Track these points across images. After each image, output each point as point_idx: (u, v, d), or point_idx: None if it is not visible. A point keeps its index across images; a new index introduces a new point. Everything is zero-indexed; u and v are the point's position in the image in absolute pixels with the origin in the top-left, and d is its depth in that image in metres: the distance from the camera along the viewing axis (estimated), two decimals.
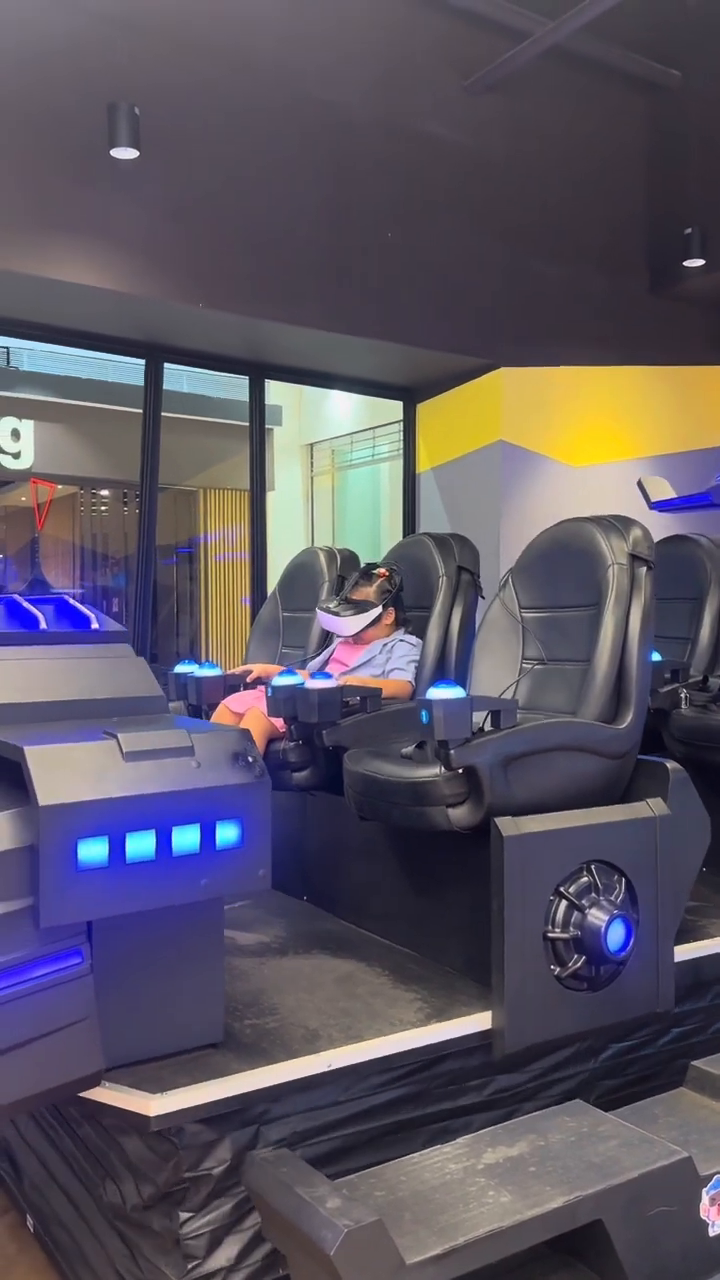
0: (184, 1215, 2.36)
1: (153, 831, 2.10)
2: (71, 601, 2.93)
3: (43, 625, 2.72)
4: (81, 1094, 2.23)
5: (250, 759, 2.27)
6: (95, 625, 2.79)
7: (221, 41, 5.67)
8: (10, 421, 8.87)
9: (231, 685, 3.87)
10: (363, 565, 4.10)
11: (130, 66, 5.33)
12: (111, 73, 5.28)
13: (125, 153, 5.22)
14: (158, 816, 2.11)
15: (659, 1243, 2.46)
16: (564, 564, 3.25)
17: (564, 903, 2.71)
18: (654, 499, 6.25)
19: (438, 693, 2.64)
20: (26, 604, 2.83)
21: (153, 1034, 2.30)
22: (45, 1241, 2.94)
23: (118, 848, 2.06)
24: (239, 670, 3.97)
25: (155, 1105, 2.20)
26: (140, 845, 2.09)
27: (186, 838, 2.14)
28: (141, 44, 5.43)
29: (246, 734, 2.33)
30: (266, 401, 7.17)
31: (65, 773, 2.06)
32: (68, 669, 2.57)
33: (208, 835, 2.17)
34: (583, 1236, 2.41)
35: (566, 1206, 2.34)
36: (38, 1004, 2.02)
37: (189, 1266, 2.35)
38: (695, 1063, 3.00)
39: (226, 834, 2.19)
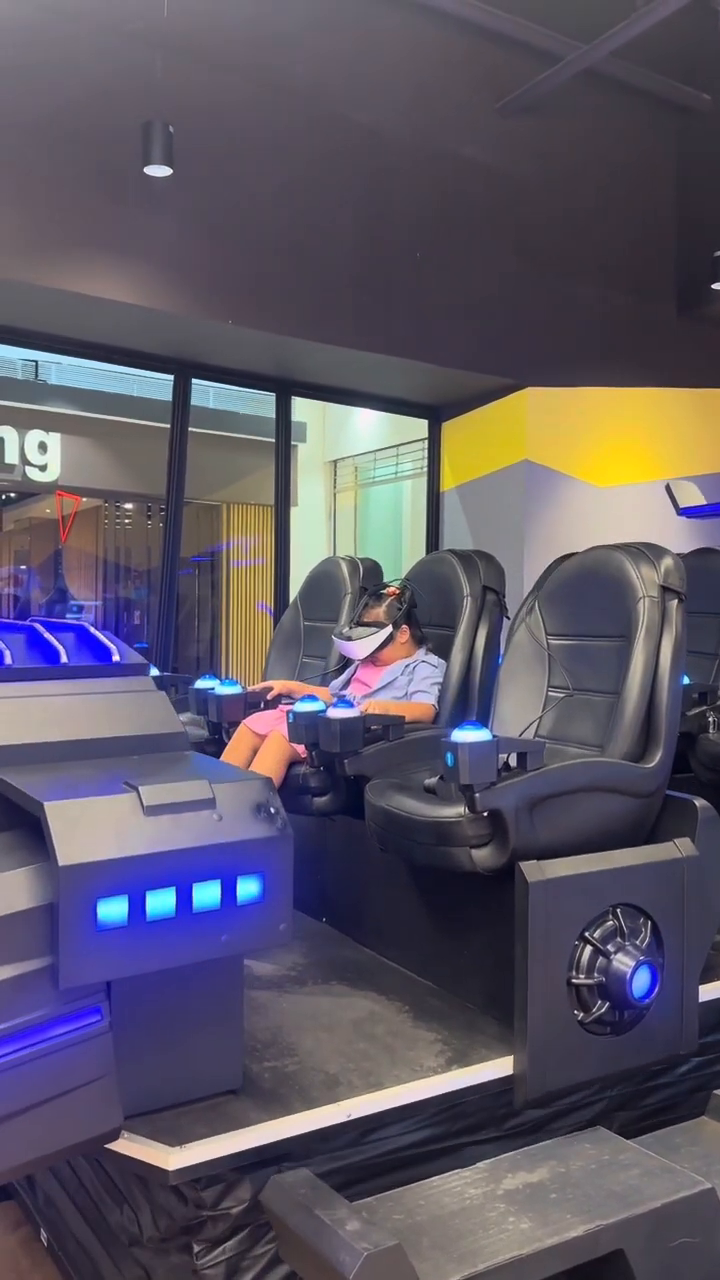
0: (199, 1247, 2.35)
1: (173, 889, 2.07)
2: (92, 630, 2.89)
3: (63, 658, 2.68)
4: None
5: (273, 810, 2.23)
6: (116, 657, 2.75)
7: (255, 61, 5.71)
8: (38, 434, 8.90)
9: (252, 703, 3.83)
10: (373, 585, 4.05)
11: (165, 85, 5.35)
12: (146, 91, 5.30)
13: (159, 170, 5.24)
14: (178, 873, 2.07)
15: (680, 1274, 2.43)
16: (593, 592, 3.18)
17: (589, 948, 2.66)
18: (683, 505, 6.15)
19: (463, 735, 2.59)
20: (48, 635, 2.79)
21: (171, 1084, 2.28)
22: (59, 1257, 2.95)
23: (138, 906, 2.03)
24: (259, 688, 3.93)
25: (174, 1159, 2.18)
26: (160, 903, 2.05)
27: (207, 894, 2.11)
28: (176, 63, 5.46)
29: (269, 783, 2.28)
30: (292, 418, 7.17)
31: (85, 829, 2.02)
32: (88, 706, 2.53)
33: (229, 891, 2.13)
34: (603, 1266, 2.38)
35: (588, 1235, 2.31)
36: (57, 1063, 2.00)
37: None
38: (718, 1091, 2.97)
39: (248, 889, 2.16)
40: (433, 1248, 2.24)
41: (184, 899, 2.08)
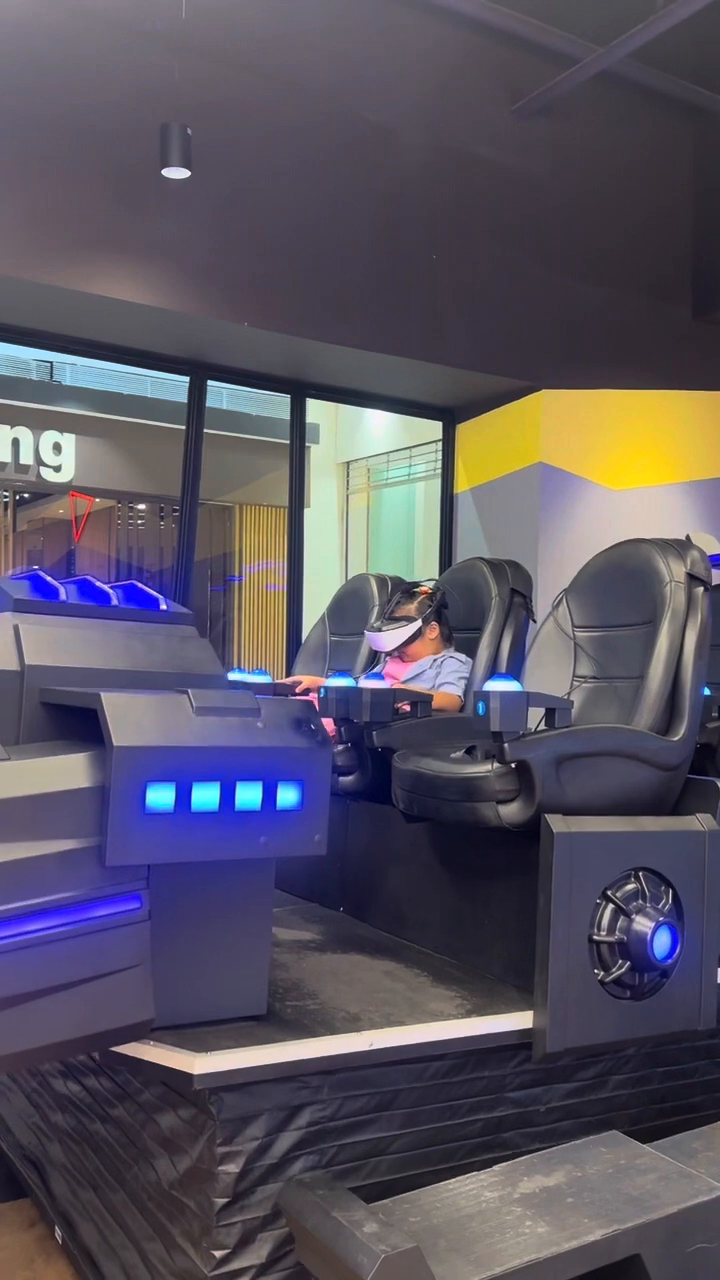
0: (218, 1202, 2.33)
1: (218, 784, 2.15)
2: (141, 586, 3.02)
3: (114, 601, 2.80)
4: (128, 1051, 2.24)
5: (313, 726, 2.32)
6: (164, 607, 2.87)
7: (272, 63, 5.80)
8: (52, 435, 9.03)
9: (280, 694, 3.92)
10: (406, 584, 4.18)
11: (182, 87, 5.45)
12: (164, 93, 5.40)
13: (177, 172, 5.32)
14: (223, 770, 2.16)
15: None
16: (620, 583, 3.30)
17: (610, 906, 2.70)
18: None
19: (495, 684, 2.69)
20: (100, 583, 2.92)
21: (198, 998, 2.32)
22: (74, 1254, 2.90)
23: (184, 796, 2.11)
24: (288, 680, 4.04)
25: (199, 1064, 2.20)
26: (205, 796, 2.13)
27: (249, 794, 2.18)
28: (194, 65, 5.56)
29: (309, 705, 2.38)
30: (306, 420, 7.23)
31: (138, 719, 2.12)
32: (138, 642, 2.64)
33: (269, 794, 2.21)
34: (620, 1271, 2.36)
35: (605, 1240, 2.30)
36: (95, 944, 2.05)
37: (218, 1256, 2.32)
38: None
39: (287, 795, 2.23)
40: (450, 1250, 2.23)
41: (227, 796, 2.16)
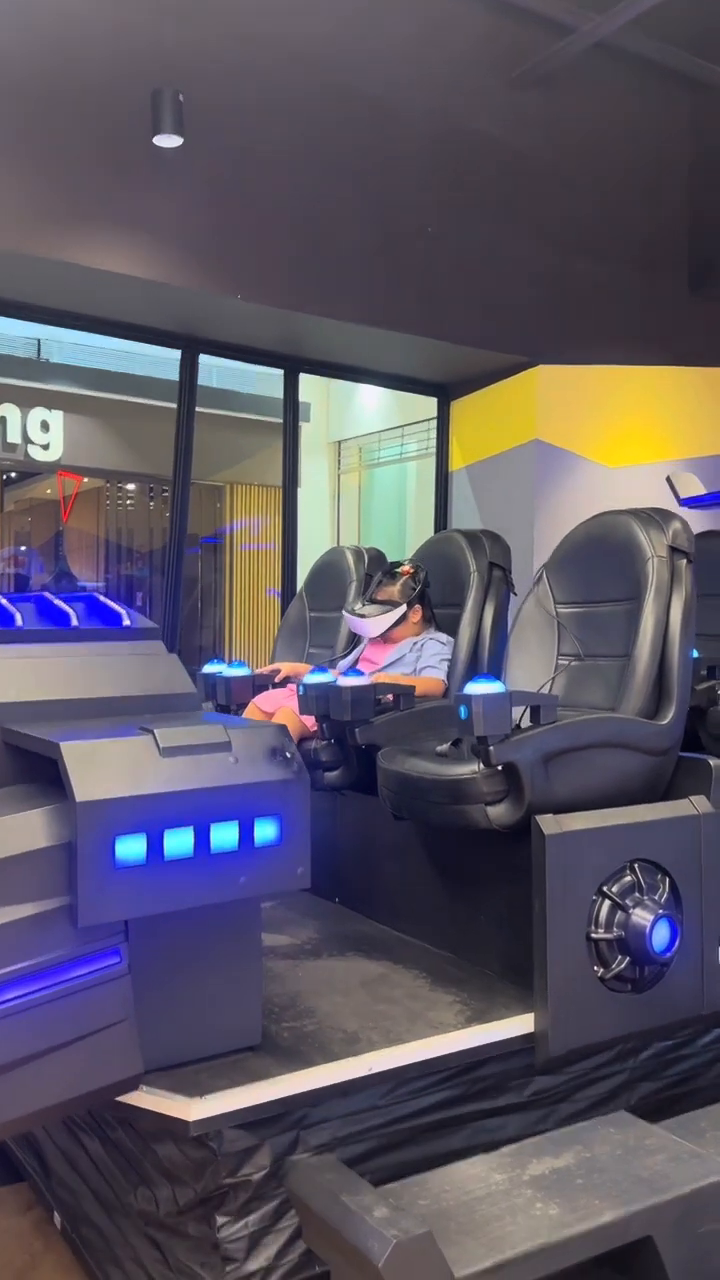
0: (221, 1220, 2.31)
1: (191, 829, 2.06)
2: (102, 599, 2.89)
3: (74, 622, 2.68)
4: (119, 1099, 2.19)
5: (288, 754, 2.22)
6: (127, 622, 2.75)
7: (266, 31, 5.57)
8: (40, 413, 8.83)
9: (260, 685, 3.83)
10: (387, 564, 4.05)
11: (175, 53, 5.24)
12: (156, 59, 5.19)
13: (169, 140, 5.13)
14: (196, 813, 2.06)
15: (709, 1261, 2.39)
16: (601, 558, 3.19)
17: (607, 903, 2.64)
18: (683, 495, 6.17)
19: (477, 687, 2.59)
20: (58, 601, 2.79)
21: (190, 1037, 2.25)
22: (72, 1238, 2.89)
23: (156, 845, 2.01)
24: (267, 670, 3.93)
25: (195, 1109, 2.15)
26: (178, 843, 2.04)
27: (225, 835, 2.09)
28: (186, 31, 5.34)
29: (283, 729, 2.28)
30: (299, 396, 7.07)
31: (102, 768, 2.01)
32: (100, 666, 2.53)
33: (246, 832, 2.12)
34: (631, 1253, 2.34)
35: (617, 1222, 2.27)
36: (76, 1005, 1.98)
37: (227, 1269, 2.30)
38: None
39: (265, 831, 2.14)
40: (460, 1233, 2.20)
41: (202, 839, 2.07)
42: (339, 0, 5.73)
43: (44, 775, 2.18)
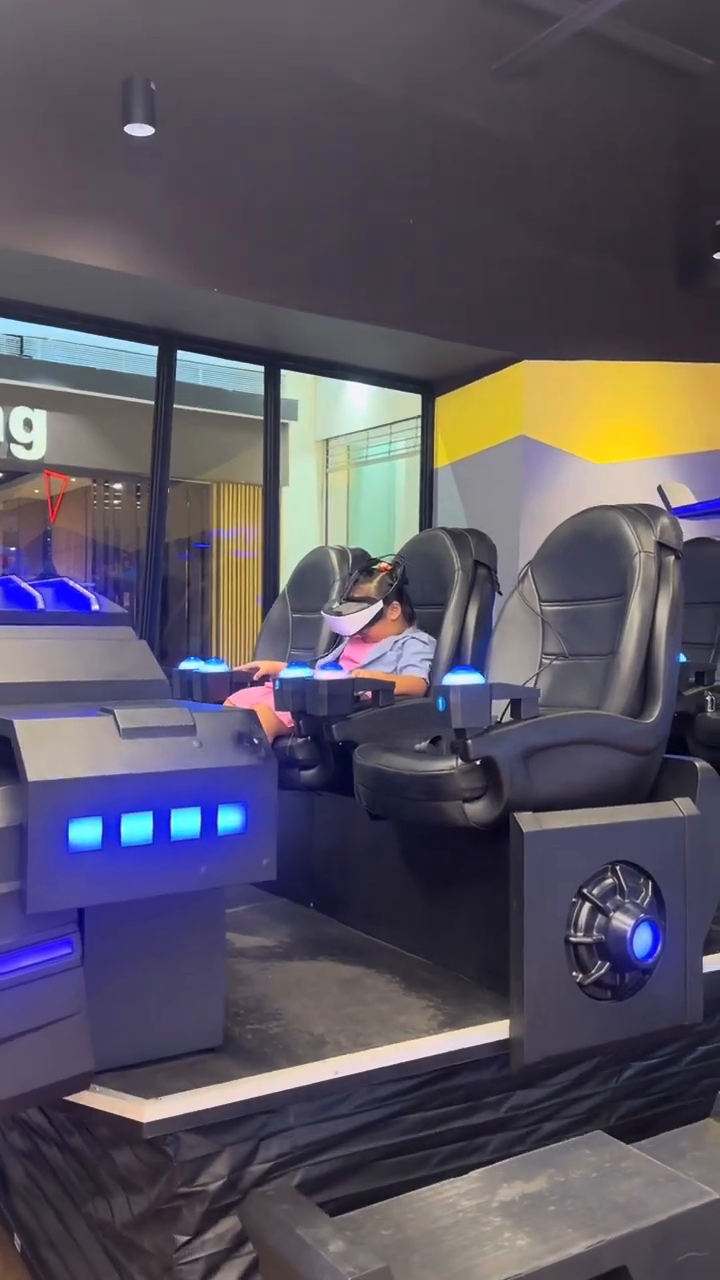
0: (179, 1239, 2.19)
1: (150, 814, 1.96)
2: (72, 584, 2.80)
3: (40, 606, 2.59)
4: (69, 1098, 2.08)
5: (255, 740, 2.13)
6: (96, 607, 2.66)
7: (242, 17, 5.46)
8: (23, 411, 8.74)
9: (238, 682, 3.73)
10: (365, 561, 3.97)
11: (146, 41, 5.14)
12: (126, 46, 5.09)
13: (140, 129, 5.01)
14: (156, 798, 1.97)
15: None
16: (587, 554, 3.11)
17: (587, 905, 2.55)
18: (674, 504, 6.11)
19: (455, 678, 2.50)
20: (25, 585, 2.70)
21: (147, 1035, 2.15)
22: (31, 1263, 2.77)
23: (112, 830, 1.92)
24: (245, 668, 3.84)
25: (149, 1111, 2.04)
26: (136, 828, 1.94)
27: (186, 822, 2.00)
28: (158, 17, 5.23)
29: (252, 715, 2.19)
30: (283, 396, 6.98)
31: (57, 748, 1.92)
32: (65, 650, 2.44)
33: (209, 819, 2.02)
34: None
35: (589, 1252, 2.16)
36: (23, 996, 1.87)
37: None
38: None
39: (229, 819, 2.05)
40: (423, 1266, 2.08)
41: (161, 825, 1.97)
42: None
43: (3, 759, 2.08)
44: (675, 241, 7.00)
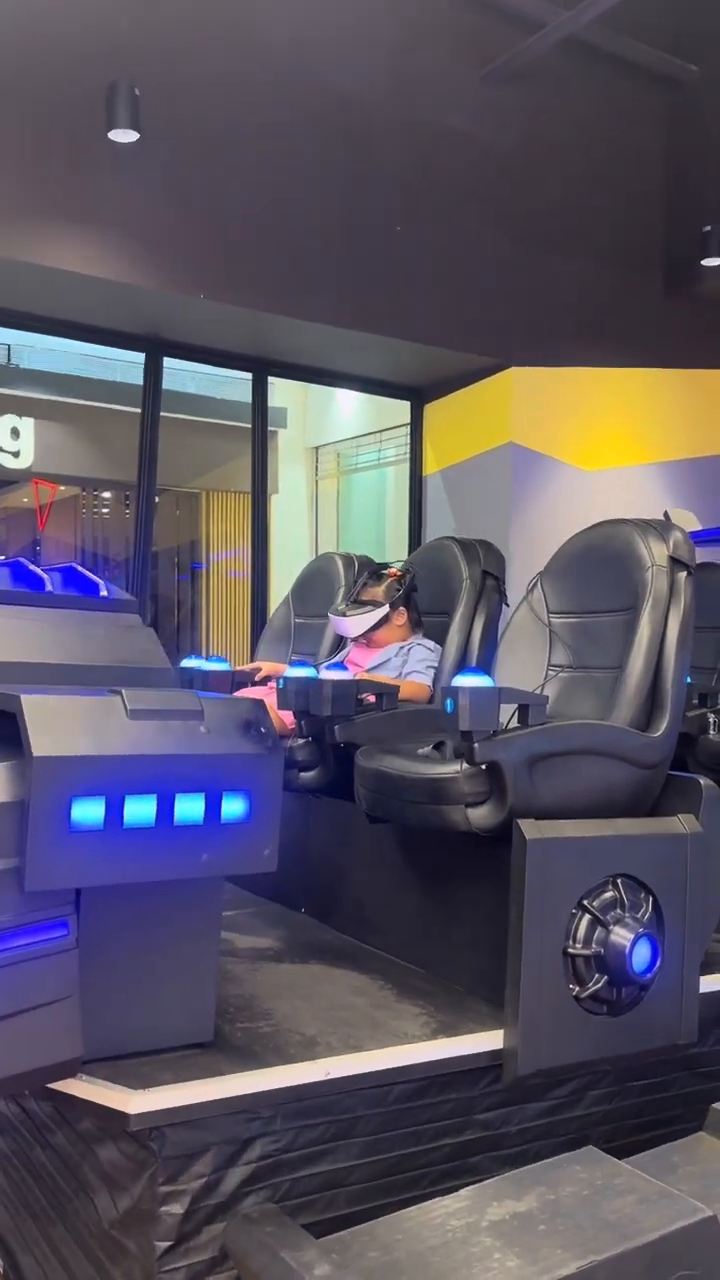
0: (161, 1245, 2.14)
1: (154, 797, 1.93)
2: (80, 569, 2.78)
3: (49, 588, 2.57)
4: (55, 1086, 2.04)
5: (263, 730, 2.10)
6: (104, 593, 2.64)
7: (228, 22, 5.43)
8: (10, 420, 8.65)
9: (239, 682, 3.71)
10: (374, 565, 3.96)
11: (131, 45, 5.11)
12: (111, 51, 5.06)
13: (125, 135, 4.98)
14: (160, 781, 1.94)
15: None
16: (598, 567, 3.09)
17: (587, 917, 2.52)
18: None
19: (465, 680, 2.48)
20: (34, 567, 2.68)
21: (137, 1025, 2.11)
22: (8, 1272, 2.71)
23: (115, 810, 1.89)
24: (248, 667, 3.82)
25: (135, 1102, 2.00)
26: (139, 810, 1.91)
27: (190, 807, 1.97)
28: (143, 22, 5.20)
29: (260, 704, 2.16)
30: (271, 403, 6.94)
31: (63, 725, 1.89)
32: (72, 633, 2.41)
33: (213, 806, 1.99)
34: None
35: (580, 1273, 2.11)
36: (16, 976, 1.84)
37: None
38: (717, 1105, 2.79)
39: (233, 807, 2.02)
40: None
41: (165, 809, 1.94)
42: None
43: (7, 738, 2.06)
44: (663, 247, 6.98)
